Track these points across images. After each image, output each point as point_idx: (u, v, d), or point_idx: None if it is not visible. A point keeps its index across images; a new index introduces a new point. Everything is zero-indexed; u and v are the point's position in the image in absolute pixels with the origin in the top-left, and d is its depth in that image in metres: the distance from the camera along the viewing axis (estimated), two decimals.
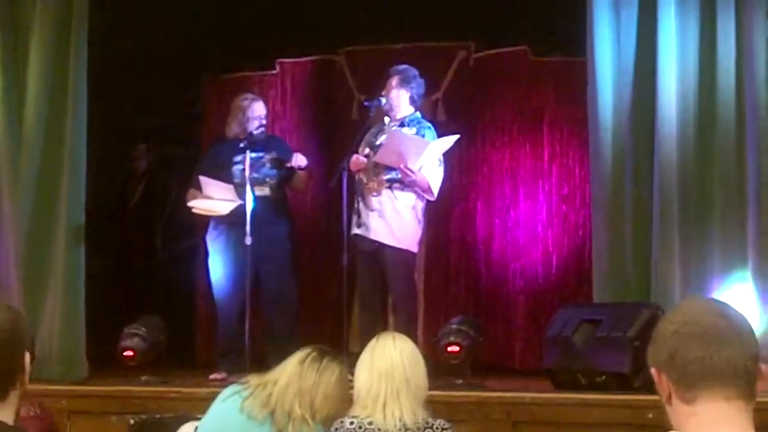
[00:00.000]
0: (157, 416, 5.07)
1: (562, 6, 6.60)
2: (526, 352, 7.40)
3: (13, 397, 2.15)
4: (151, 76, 8.01)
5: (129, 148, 8.53)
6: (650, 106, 6.20)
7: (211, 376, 6.50)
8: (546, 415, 5.43)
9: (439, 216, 7.46)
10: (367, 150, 6.49)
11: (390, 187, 6.37)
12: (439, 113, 7.56)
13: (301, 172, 6.90)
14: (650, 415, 4.96)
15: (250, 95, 7.13)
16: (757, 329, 5.82)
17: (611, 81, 6.29)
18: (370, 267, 6.46)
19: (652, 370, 1.93)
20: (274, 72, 8.13)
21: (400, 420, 3.59)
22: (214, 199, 6.69)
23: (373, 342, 3.78)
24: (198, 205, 6.76)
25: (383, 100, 6.50)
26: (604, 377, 5.68)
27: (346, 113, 7.86)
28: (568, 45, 6.99)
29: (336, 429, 3.63)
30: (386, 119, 6.57)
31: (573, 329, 5.93)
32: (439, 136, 6.46)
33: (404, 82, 6.50)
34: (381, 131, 6.55)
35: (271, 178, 6.80)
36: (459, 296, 7.69)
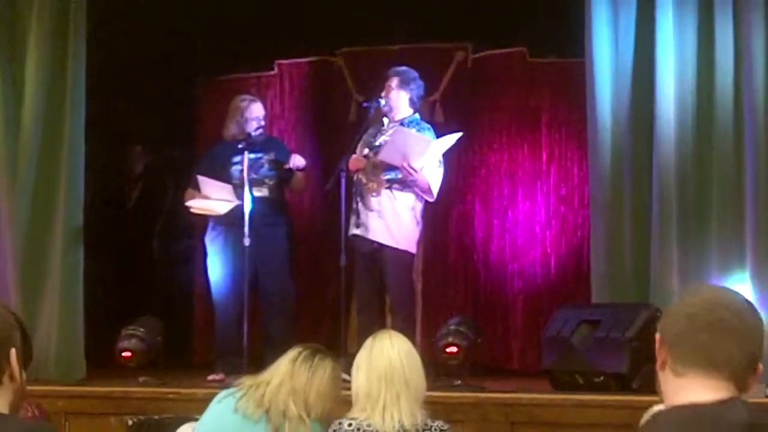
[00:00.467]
0: (155, 417, 5.08)
1: (561, 7, 6.60)
2: (524, 353, 7.40)
3: (1, 392, 2.22)
4: (149, 77, 8.00)
5: (126, 149, 8.52)
6: (648, 107, 6.20)
7: (209, 377, 6.49)
8: (544, 416, 5.43)
9: (438, 217, 7.46)
10: (366, 151, 6.49)
11: (389, 188, 6.37)
12: (437, 114, 7.56)
13: (300, 174, 6.90)
14: None
15: (248, 96, 7.13)
16: None
17: (609, 82, 6.29)
18: (369, 268, 6.45)
19: (657, 335, 2.14)
20: (272, 73, 8.13)
21: (399, 422, 3.59)
22: (212, 199, 6.69)
23: (370, 341, 3.77)
24: (196, 205, 6.76)
25: (382, 102, 6.50)
26: (602, 378, 5.69)
27: (344, 114, 7.85)
28: (567, 46, 7.00)
29: (334, 430, 3.63)
30: (385, 120, 6.57)
31: (571, 330, 5.93)
32: (438, 137, 6.46)
33: (404, 84, 6.50)
34: (380, 132, 6.55)
35: (269, 179, 6.80)
36: (457, 297, 7.69)
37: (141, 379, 6.30)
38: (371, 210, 6.38)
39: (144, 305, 7.35)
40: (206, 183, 6.68)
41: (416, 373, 3.69)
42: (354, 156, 6.49)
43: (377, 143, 6.48)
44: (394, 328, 5.86)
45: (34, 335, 6.46)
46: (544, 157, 7.55)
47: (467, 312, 7.28)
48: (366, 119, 6.71)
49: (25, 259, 6.79)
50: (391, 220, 6.35)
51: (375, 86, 6.74)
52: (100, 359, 6.78)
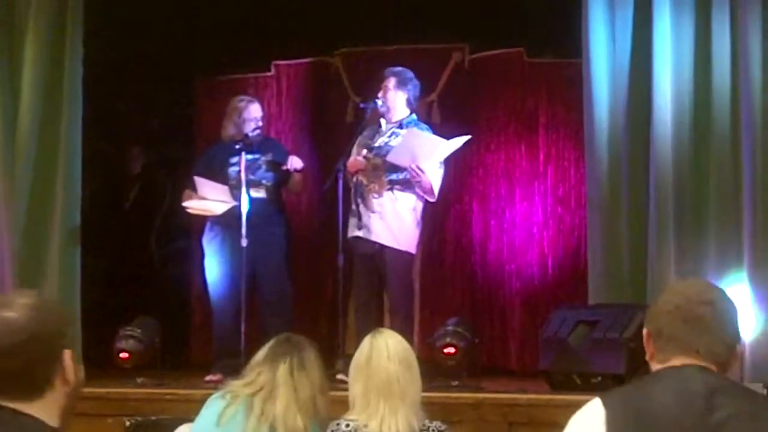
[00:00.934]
0: (153, 418, 5.08)
1: (558, 8, 6.61)
2: (522, 354, 7.40)
3: (51, 395, 2.08)
4: (146, 78, 8.00)
5: (124, 149, 8.52)
6: (645, 107, 6.21)
7: (207, 378, 6.48)
8: (542, 417, 5.43)
9: (435, 217, 7.46)
10: (365, 152, 6.48)
11: (391, 189, 6.37)
12: (434, 115, 7.56)
13: (297, 175, 6.90)
14: None
15: (246, 97, 7.13)
16: (754, 330, 5.85)
17: (606, 83, 6.30)
18: (368, 268, 6.45)
19: (644, 331, 2.39)
20: (270, 74, 8.12)
21: (396, 428, 3.59)
22: (208, 199, 6.69)
23: (367, 343, 3.76)
24: (192, 205, 6.76)
25: (379, 102, 6.50)
26: (600, 378, 5.69)
27: (341, 115, 7.85)
28: (564, 47, 7.00)
29: (332, 431, 3.63)
30: (382, 121, 6.57)
31: (569, 330, 5.94)
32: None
33: (401, 84, 6.50)
34: (377, 134, 6.55)
35: (266, 181, 6.80)
36: (455, 298, 7.68)
37: (138, 380, 6.30)
38: (373, 211, 6.37)
39: (141, 306, 7.35)
40: (202, 184, 6.68)
41: (413, 384, 3.69)
42: (353, 157, 6.48)
43: (376, 144, 6.48)
44: (393, 328, 5.84)
45: None
46: (542, 157, 7.55)
47: (465, 312, 7.28)
48: (363, 120, 6.71)
49: (22, 259, 6.79)
50: (393, 221, 6.35)
51: (372, 87, 6.74)
52: (98, 360, 6.77)
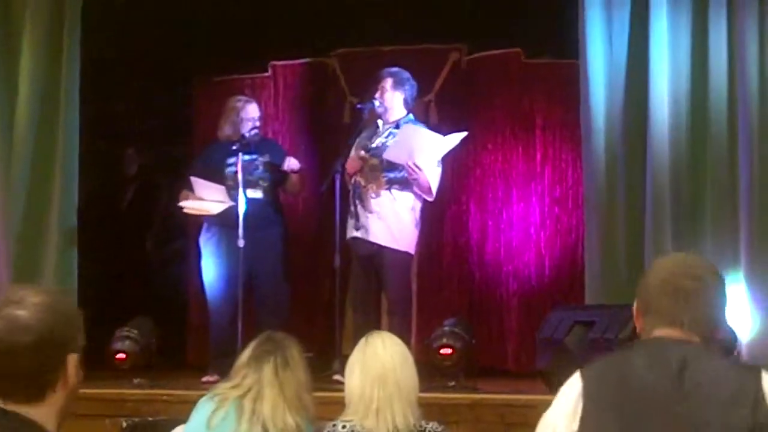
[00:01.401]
0: (150, 419, 5.06)
1: (555, 8, 6.61)
2: (519, 354, 7.39)
3: (52, 399, 2.05)
4: (143, 78, 8.00)
5: (121, 150, 8.52)
6: (642, 108, 6.21)
7: (203, 379, 6.48)
8: (539, 418, 5.41)
9: (432, 218, 7.44)
10: (362, 152, 6.48)
11: (389, 188, 6.36)
12: (431, 115, 7.56)
13: (294, 176, 6.89)
14: None
15: (243, 97, 7.13)
16: (751, 330, 5.86)
17: (603, 83, 6.30)
18: (366, 269, 6.45)
19: (635, 305, 2.51)
20: (267, 74, 8.12)
21: (393, 424, 3.58)
22: (205, 200, 6.68)
23: (362, 343, 3.76)
24: (189, 205, 6.75)
25: (377, 103, 6.50)
26: None
27: (338, 116, 7.85)
28: (561, 47, 7.00)
29: None
30: (379, 122, 6.57)
31: (566, 331, 5.93)
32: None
33: (398, 85, 6.50)
34: (375, 135, 6.54)
35: (264, 181, 6.79)
36: (452, 298, 7.68)
37: (135, 381, 6.29)
38: (371, 212, 6.37)
39: (138, 307, 7.34)
40: (199, 184, 6.67)
41: (409, 375, 3.68)
42: (351, 158, 6.48)
43: (373, 145, 6.48)
44: (391, 329, 5.87)
45: None
46: (539, 158, 7.54)
47: (462, 313, 7.27)
48: (360, 120, 6.71)
49: (19, 259, 6.78)
50: (392, 222, 6.34)
51: (369, 87, 6.73)
52: (94, 361, 6.73)
